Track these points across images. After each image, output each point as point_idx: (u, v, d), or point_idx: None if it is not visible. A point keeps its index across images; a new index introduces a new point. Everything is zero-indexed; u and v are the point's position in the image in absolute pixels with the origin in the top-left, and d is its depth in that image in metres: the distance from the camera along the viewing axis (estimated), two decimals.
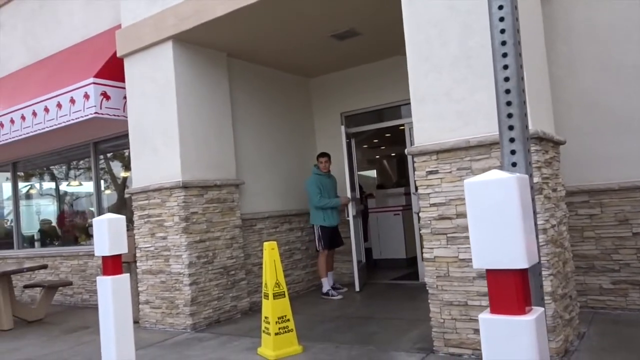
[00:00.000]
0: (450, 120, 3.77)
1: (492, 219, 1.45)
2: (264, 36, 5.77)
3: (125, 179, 7.88)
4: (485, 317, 1.45)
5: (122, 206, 7.82)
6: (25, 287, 7.44)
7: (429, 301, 3.84)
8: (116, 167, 8.04)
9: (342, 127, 6.75)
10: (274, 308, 4.18)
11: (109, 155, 7.94)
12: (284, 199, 6.92)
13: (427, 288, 3.85)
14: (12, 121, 6.89)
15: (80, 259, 7.68)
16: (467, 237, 3.64)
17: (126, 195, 7.72)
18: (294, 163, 7.16)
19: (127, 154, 7.61)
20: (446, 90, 3.79)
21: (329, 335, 4.71)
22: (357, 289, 6.60)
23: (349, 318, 5.33)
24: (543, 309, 1.52)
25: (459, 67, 3.73)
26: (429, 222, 3.84)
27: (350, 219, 6.69)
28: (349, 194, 6.64)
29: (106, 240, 2.20)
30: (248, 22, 5.29)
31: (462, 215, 3.68)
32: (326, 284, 6.56)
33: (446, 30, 3.78)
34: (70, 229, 8.68)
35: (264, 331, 4.28)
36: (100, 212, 7.70)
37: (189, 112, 5.62)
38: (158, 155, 5.65)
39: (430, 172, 3.86)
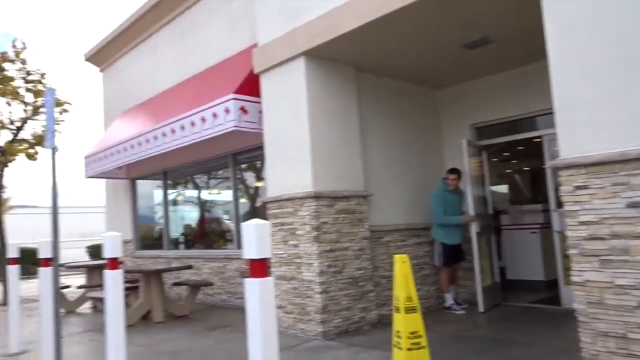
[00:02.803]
0: (603, 130, 3.41)
1: None
2: (392, 49, 5.77)
3: (257, 188, 8.34)
4: None
5: (254, 214, 8.29)
6: (174, 284, 8.19)
7: (579, 330, 3.49)
8: (249, 177, 8.55)
9: (464, 142, 6.56)
10: (406, 322, 4.09)
11: (243, 166, 8.47)
12: (410, 212, 6.80)
13: (577, 315, 3.51)
14: (164, 134, 7.66)
15: (219, 261, 8.26)
16: (625, 261, 3.26)
17: (258, 204, 8.22)
18: (421, 176, 7.01)
19: (260, 165, 8.07)
20: (597, 97, 3.44)
21: (464, 356, 4.51)
22: (481, 309, 6.32)
23: (485, 340, 5.07)
24: None
25: (615, 71, 3.37)
26: (578, 241, 3.51)
27: (473, 237, 6.47)
28: (471, 211, 6.43)
29: (253, 244, 2.31)
30: (376, 36, 5.32)
31: (619, 236, 3.30)
32: (449, 299, 6.51)
33: (599, 30, 3.44)
34: (210, 233, 9.39)
35: (395, 345, 4.20)
36: (237, 219, 8.23)
37: (320, 124, 5.79)
38: (291, 166, 5.89)
39: (579, 187, 3.52)
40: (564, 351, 4.29)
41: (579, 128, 3.53)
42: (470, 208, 6.47)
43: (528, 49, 5.76)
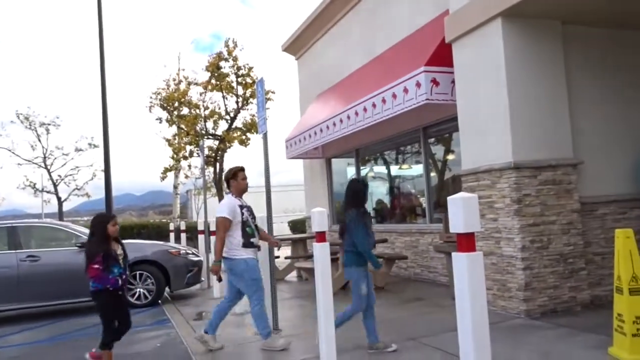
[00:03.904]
0: None
1: None
2: None
3: (446, 161, 8.14)
4: None
5: (443, 188, 8.13)
6: None
7: None
8: (439, 150, 8.39)
9: None
10: (631, 305, 3.64)
11: (433, 140, 8.33)
12: (633, 180, 5.93)
13: None
14: (356, 113, 7.95)
15: (412, 235, 8.35)
16: None
17: (448, 177, 8.03)
18: None
19: (450, 137, 7.84)
20: None
21: None
22: None
23: None
24: None
25: None
26: None
27: None
28: None
29: (461, 218, 2.27)
30: None
31: None
32: None
33: None
34: (401, 208, 9.52)
35: (616, 329, 3.78)
36: (429, 193, 8.18)
37: (519, 90, 5.37)
38: (487, 136, 5.60)
39: None
40: None
41: None
42: None
43: None
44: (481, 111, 5.69)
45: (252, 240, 4.84)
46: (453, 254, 2.35)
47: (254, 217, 5.00)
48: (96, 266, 4.18)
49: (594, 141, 5.77)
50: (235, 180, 4.93)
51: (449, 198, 2.35)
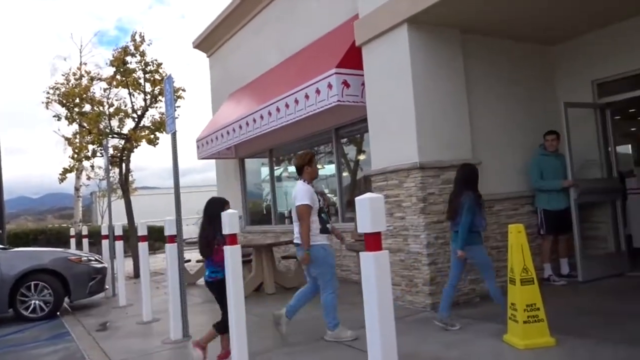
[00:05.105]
0: None
1: None
2: (503, 4, 5.39)
3: (357, 161, 8.36)
4: None
5: (355, 187, 8.34)
6: (283, 257, 8.55)
7: None
8: (351, 150, 8.59)
9: (562, 104, 6.26)
10: (522, 295, 3.94)
11: (345, 140, 8.51)
12: (523, 179, 6.45)
13: None
14: (269, 113, 7.92)
15: None
16: None
17: (359, 177, 8.25)
18: (533, 140, 6.57)
19: (361, 138, 8.06)
20: None
21: (585, 330, 4.23)
22: (580, 279, 6.08)
23: (610, 314, 4.71)
24: None
25: None
26: None
27: (572, 205, 6.15)
28: (569, 176, 6.15)
29: (368, 218, 2.33)
30: None
31: None
32: (548, 269, 6.29)
33: None
34: None
35: (510, 318, 4.08)
36: (341, 192, 8.34)
37: (425, 93, 5.63)
38: (395, 137, 5.82)
39: None
40: None
41: None
42: (569, 173, 6.16)
43: None
44: (389, 113, 5.89)
45: (327, 226, 4.79)
46: (361, 253, 2.41)
47: (324, 203, 4.97)
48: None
49: (490, 143, 6.20)
50: (309, 167, 4.84)
51: (356, 199, 2.40)
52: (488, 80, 6.31)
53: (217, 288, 4.23)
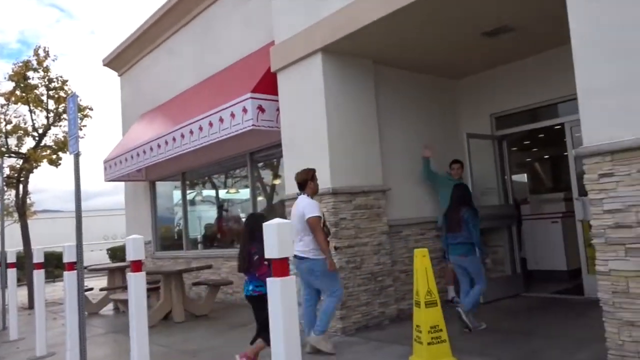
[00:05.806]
0: (629, 116, 3.31)
1: None
2: (411, 40, 5.72)
3: (274, 186, 8.36)
4: None
5: (271, 211, 8.31)
6: (194, 284, 8.26)
7: (604, 319, 3.44)
8: (267, 175, 8.58)
9: (465, 135, 6.75)
10: (426, 317, 4.08)
11: (260, 164, 8.50)
12: (429, 205, 6.77)
13: (601, 305, 3.45)
14: (182, 136, 7.73)
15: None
16: None
17: (275, 202, 8.24)
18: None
19: (277, 163, 8.08)
20: (623, 81, 3.35)
21: (486, 349, 4.47)
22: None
23: (507, 332, 5.01)
24: None
25: None
26: (603, 230, 3.44)
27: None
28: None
29: (275, 244, 2.32)
30: (396, 27, 5.26)
31: None
32: (451, 291, 6.61)
33: (626, 11, 3.34)
34: (228, 232, 9.45)
35: (415, 340, 4.20)
36: None
37: (337, 120, 5.78)
38: (308, 163, 5.85)
39: (604, 175, 3.44)
40: (588, 341, 4.23)
41: (603, 114, 3.44)
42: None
43: (551, 34, 5.69)
44: (303, 139, 5.97)
45: (328, 239, 4.86)
46: (268, 279, 2.39)
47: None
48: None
49: (399, 171, 6.46)
50: (312, 182, 5.00)
51: (264, 224, 2.39)
52: (398, 109, 6.61)
53: (261, 302, 4.10)
